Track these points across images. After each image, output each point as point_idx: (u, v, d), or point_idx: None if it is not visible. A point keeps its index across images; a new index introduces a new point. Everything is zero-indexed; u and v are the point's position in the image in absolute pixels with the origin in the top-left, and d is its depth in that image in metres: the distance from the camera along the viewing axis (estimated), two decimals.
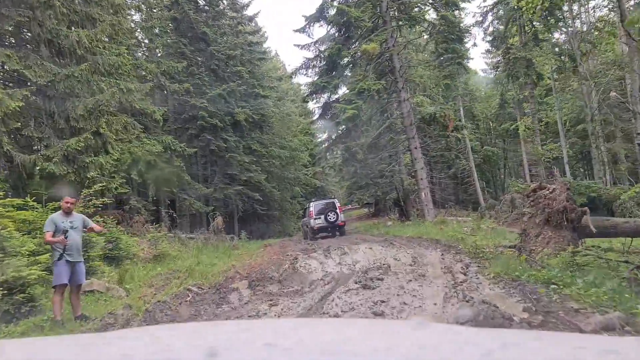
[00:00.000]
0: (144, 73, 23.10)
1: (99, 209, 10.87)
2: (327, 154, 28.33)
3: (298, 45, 23.99)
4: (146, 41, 23.97)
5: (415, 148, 22.03)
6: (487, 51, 53.44)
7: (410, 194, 32.08)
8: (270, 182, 34.50)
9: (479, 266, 8.64)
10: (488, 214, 24.26)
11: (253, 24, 35.11)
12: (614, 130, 24.78)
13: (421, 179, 22.01)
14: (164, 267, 12.78)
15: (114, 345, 1.23)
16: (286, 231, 44.49)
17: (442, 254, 10.86)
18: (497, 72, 39.56)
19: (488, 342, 1.13)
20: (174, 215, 19.48)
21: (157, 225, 16.06)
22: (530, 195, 11.32)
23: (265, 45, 38.98)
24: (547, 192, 10.67)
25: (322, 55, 23.06)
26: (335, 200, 22.67)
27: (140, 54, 23.52)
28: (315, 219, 21.38)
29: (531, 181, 50.58)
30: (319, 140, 29.84)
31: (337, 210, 21.32)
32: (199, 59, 26.33)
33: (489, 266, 8.43)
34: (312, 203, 22.84)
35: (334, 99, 24.21)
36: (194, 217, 26.73)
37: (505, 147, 55.49)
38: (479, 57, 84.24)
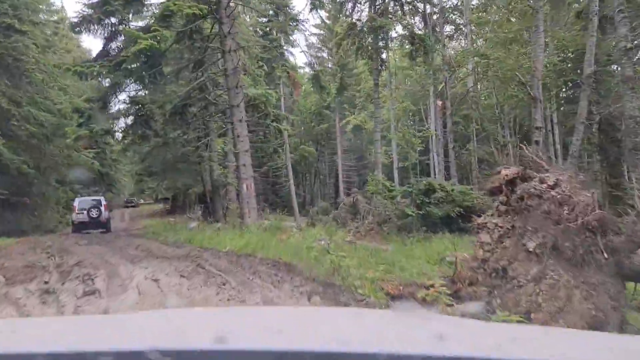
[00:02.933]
0: None
1: None
2: (111, 110, 18.41)
3: None
4: None
5: (240, 121, 15.37)
6: (311, 45, 49.87)
7: (221, 187, 25.33)
8: (20, 155, 24.02)
9: None
10: (321, 220, 18.93)
11: None
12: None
13: (243, 164, 15.43)
14: None
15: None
16: (46, 225, 33.36)
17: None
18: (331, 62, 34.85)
19: None
20: None
21: None
22: (501, 189, 5.65)
23: None
24: (547, 186, 5.09)
25: None
26: (102, 199, 23.82)
27: None
28: (77, 213, 22.16)
29: (347, 189, 48.17)
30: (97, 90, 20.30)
31: (102, 208, 22.18)
32: None
33: None
34: (77, 199, 23.89)
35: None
36: None
37: (320, 149, 52.53)
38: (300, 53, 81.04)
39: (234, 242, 10.20)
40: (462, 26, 19.76)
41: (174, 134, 22.58)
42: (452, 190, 13.51)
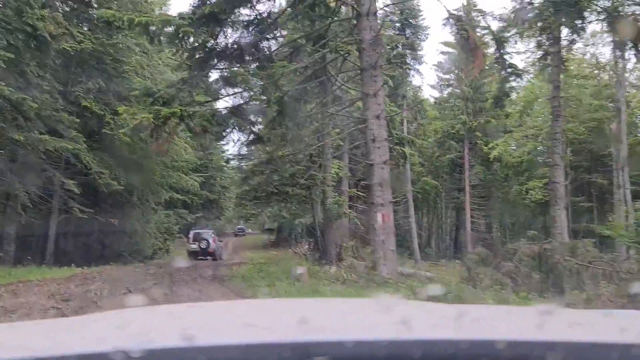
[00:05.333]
0: None
1: None
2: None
3: None
4: None
5: (377, 117, 10.14)
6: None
7: (334, 219, 20.12)
8: (112, 170, 20.99)
9: None
10: (482, 275, 12.82)
11: None
12: None
13: (379, 183, 10.07)
14: None
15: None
16: (146, 251, 30.47)
17: None
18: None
19: None
20: None
21: None
22: None
23: None
24: None
25: None
26: (211, 231, 28.46)
27: None
28: (191, 244, 26.12)
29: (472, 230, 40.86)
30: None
31: (210, 240, 25.56)
32: None
33: None
34: (192, 231, 28.52)
35: None
36: None
37: (441, 182, 45.65)
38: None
39: None
40: None
41: (283, 150, 18.16)
42: None
